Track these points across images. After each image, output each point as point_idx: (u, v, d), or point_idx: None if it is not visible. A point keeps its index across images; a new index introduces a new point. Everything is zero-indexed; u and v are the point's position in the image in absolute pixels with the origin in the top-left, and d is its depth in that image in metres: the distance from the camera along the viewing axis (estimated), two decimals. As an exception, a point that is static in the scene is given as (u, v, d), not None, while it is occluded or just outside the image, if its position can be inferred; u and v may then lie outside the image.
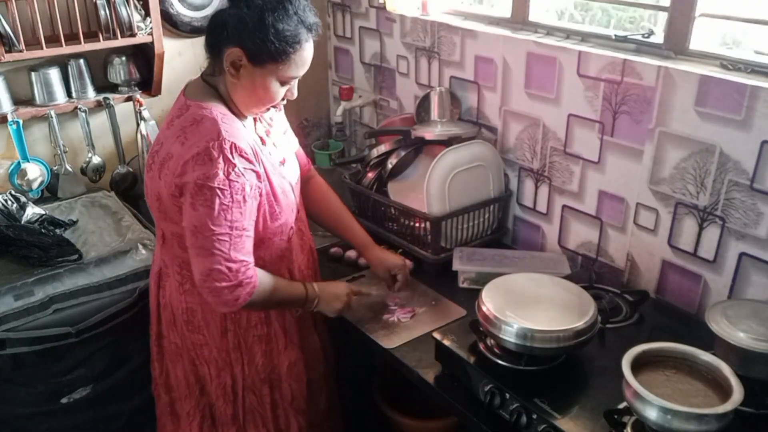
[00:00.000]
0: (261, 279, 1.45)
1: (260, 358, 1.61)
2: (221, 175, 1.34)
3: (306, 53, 1.41)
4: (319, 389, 1.77)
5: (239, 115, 1.47)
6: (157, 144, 1.48)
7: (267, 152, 1.51)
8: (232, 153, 1.35)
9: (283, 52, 1.37)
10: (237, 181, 1.36)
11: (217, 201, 1.34)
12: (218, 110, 1.41)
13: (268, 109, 1.51)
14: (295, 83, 1.47)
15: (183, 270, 1.52)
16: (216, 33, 1.39)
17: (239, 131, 1.41)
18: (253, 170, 1.40)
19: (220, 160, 1.34)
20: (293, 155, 1.66)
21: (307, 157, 1.80)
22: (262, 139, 1.53)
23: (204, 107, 1.41)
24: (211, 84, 1.46)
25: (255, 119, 1.54)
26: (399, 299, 1.85)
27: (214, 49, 1.42)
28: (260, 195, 1.45)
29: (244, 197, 1.38)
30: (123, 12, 2.09)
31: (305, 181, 1.77)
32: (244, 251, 1.40)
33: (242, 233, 1.39)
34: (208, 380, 1.63)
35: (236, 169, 1.36)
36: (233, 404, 1.64)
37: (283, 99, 1.47)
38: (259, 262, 1.49)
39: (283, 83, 1.43)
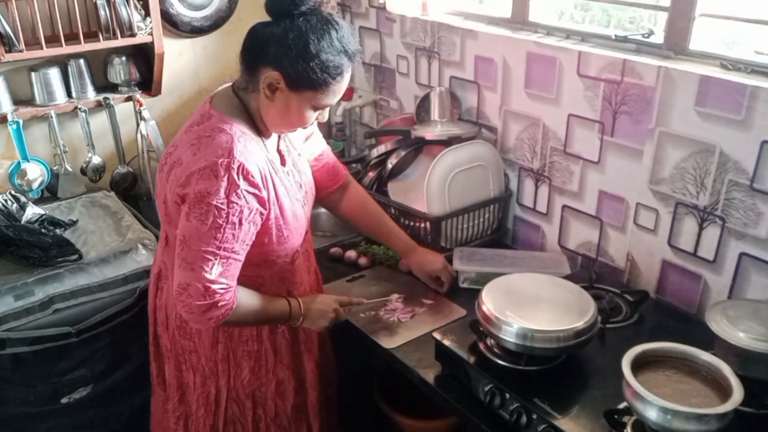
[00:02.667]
0: (240, 301, 1.40)
1: (247, 374, 1.59)
2: (222, 194, 1.31)
3: (345, 83, 1.39)
4: (310, 415, 1.71)
5: (263, 133, 1.44)
6: (172, 146, 1.45)
7: (285, 171, 1.49)
8: (238, 174, 1.32)
9: (324, 82, 1.34)
10: (237, 203, 1.32)
11: (211, 218, 1.31)
12: (239, 128, 1.38)
13: (296, 129, 1.49)
14: (327, 109, 1.45)
15: None
16: (255, 51, 1.35)
17: (252, 154, 1.37)
18: (257, 195, 1.37)
19: (225, 178, 1.31)
20: (309, 171, 1.63)
21: (343, 164, 1.77)
22: (282, 157, 1.50)
23: (226, 121, 1.38)
24: (241, 98, 1.42)
25: (279, 136, 1.52)
26: (399, 304, 1.83)
27: (251, 66, 1.38)
28: (267, 219, 1.42)
29: (240, 220, 1.34)
30: (123, 12, 2.09)
31: (343, 188, 1.76)
32: (227, 274, 1.36)
33: (230, 255, 1.35)
34: (191, 388, 1.61)
35: (238, 191, 1.32)
36: (214, 414, 1.62)
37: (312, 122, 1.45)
38: (259, 280, 1.48)
39: (316, 109, 1.41)
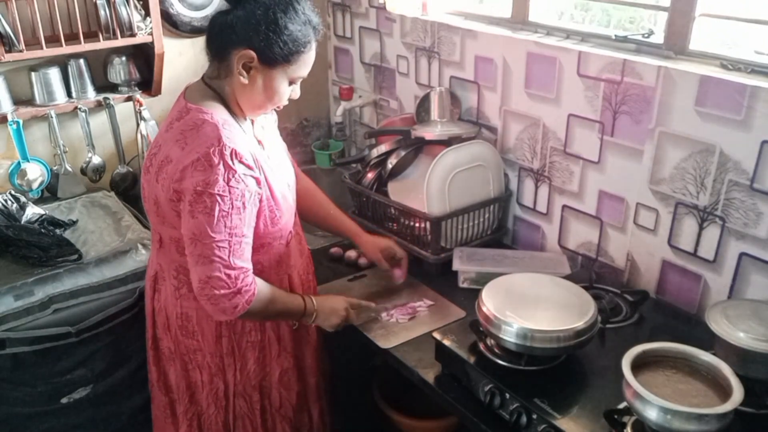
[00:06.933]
0: (260, 288, 1.44)
1: (252, 365, 1.60)
2: (221, 182, 1.33)
3: (313, 53, 1.44)
4: (310, 402, 1.76)
5: (239, 118, 1.46)
6: (155, 147, 1.47)
7: (266, 156, 1.51)
8: (232, 159, 1.34)
9: (296, 52, 1.38)
10: (237, 188, 1.35)
11: (217, 208, 1.33)
12: (219, 115, 1.40)
13: (271, 110, 1.51)
14: (298, 83, 1.48)
15: (179, 275, 1.51)
16: (222, 36, 1.38)
17: (240, 137, 1.40)
18: (253, 176, 1.39)
19: (221, 166, 1.33)
20: (287, 157, 1.66)
21: (293, 159, 1.79)
22: (260, 142, 1.52)
23: (205, 112, 1.39)
24: (213, 87, 1.44)
25: (252, 121, 1.53)
26: (401, 307, 1.82)
27: (220, 52, 1.40)
28: (260, 201, 1.43)
29: (243, 203, 1.37)
30: (123, 12, 2.09)
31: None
32: (243, 258, 1.39)
33: (241, 240, 1.38)
34: (200, 387, 1.62)
35: (236, 175, 1.34)
36: (225, 410, 1.63)
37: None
38: (258, 267, 1.49)
39: (291, 83, 1.44)
